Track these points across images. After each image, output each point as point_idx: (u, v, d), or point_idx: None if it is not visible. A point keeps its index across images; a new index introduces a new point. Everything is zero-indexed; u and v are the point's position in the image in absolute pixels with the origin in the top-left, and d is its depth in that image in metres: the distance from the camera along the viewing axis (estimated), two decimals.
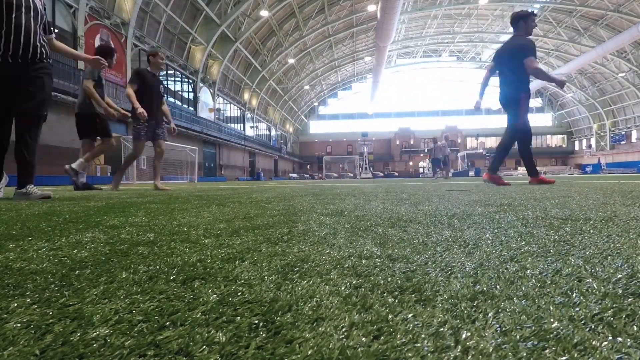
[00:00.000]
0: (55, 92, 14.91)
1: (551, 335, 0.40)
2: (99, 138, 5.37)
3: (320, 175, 23.48)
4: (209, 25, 27.03)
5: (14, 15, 2.86)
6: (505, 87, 4.98)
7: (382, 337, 0.40)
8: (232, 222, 1.41)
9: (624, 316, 0.44)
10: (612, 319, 0.44)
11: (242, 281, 0.62)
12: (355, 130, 59.06)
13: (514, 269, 0.68)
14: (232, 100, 36.02)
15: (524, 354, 0.36)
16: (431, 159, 17.24)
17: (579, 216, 1.43)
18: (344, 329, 0.42)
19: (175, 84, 27.39)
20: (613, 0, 32.77)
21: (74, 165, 5.17)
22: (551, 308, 0.47)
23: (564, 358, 0.35)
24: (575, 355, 0.36)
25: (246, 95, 38.36)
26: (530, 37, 4.94)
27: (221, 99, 33.85)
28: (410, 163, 60.10)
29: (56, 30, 16.41)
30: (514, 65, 4.79)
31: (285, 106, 50.93)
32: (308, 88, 52.38)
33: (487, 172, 5.39)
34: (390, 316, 0.46)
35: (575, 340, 0.38)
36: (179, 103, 27.42)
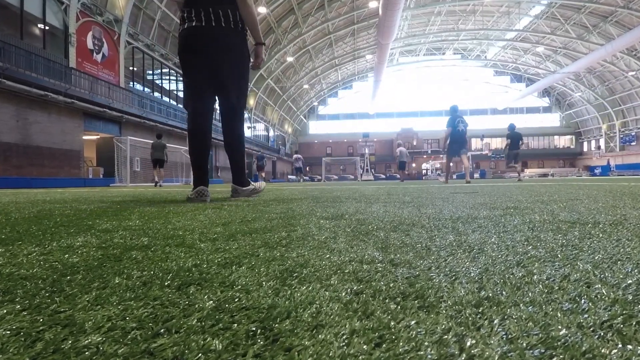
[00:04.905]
0: (46, 92, 14.92)
1: (559, 343, 0.40)
2: None
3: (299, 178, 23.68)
4: None
5: None
6: None
7: (384, 345, 0.40)
8: (229, 226, 1.41)
9: (634, 323, 0.44)
10: (622, 326, 0.44)
11: (239, 287, 0.62)
12: (356, 130, 59.13)
13: (520, 274, 0.68)
14: None
15: None
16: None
17: (588, 220, 1.43)
18: (344, 337, 0.42)
19: (170, 83, 27.43)
20: None
21: None
22: (559, 315, 0.47)
23: None
24: None
25: None
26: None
27: None
28: (413, 165, 60.13)
29: (47, 28, 16.46)
30: None
31: (284, 106, 50.98)
32: (307, 87, 52.45)
33: None
34: (392, 323, 0.46)
35: (583, 348, 0.38)
36: (174, 102, 27.44)
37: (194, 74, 3.04)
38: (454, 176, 38.35)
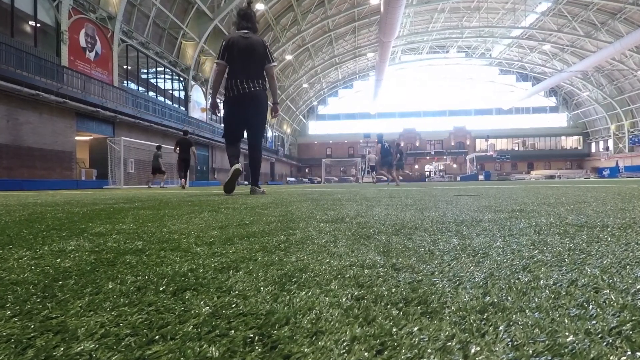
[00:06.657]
0: (37, 91, 14.94)
1: (566, 350, 0.40)
2: None
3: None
4: (201, 19, 27.14)
5: None
6: None
7: (385, 352, 0.40)
8: (226, 230, 1.42)
9: None
10: (631, 332, 0.44)
11: (237, 292, 0.63)
12: (357, 131, 59.11)
13: (526, 279, 0.68)
14: None
15: None
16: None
17: (596, 223, 1.44)
18: (345, 344, 0.42)
19: (165, 82, 27.44)
20: None
21: None
22: (566, 321, 0.48)
23: None
24: None
25: None
26: None
27: None
28: (416, 166, 60.14)
29: (38, 25, 16.49)
30: None
31: (282, 106, 51.02)
32: (307, 86, 52.48)
33: None
34: (394, 329, 0.46)
35: (591, 355, 0.38)
36: (169, 102, 27.46)
37: (235, 120, 4.86)
38: (459, 178, 39.30)
